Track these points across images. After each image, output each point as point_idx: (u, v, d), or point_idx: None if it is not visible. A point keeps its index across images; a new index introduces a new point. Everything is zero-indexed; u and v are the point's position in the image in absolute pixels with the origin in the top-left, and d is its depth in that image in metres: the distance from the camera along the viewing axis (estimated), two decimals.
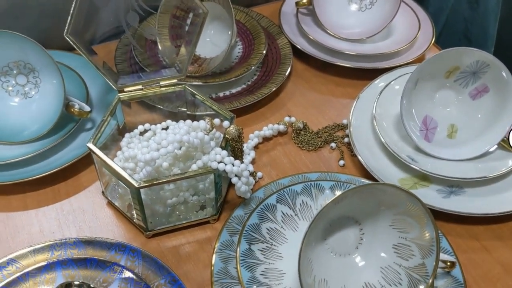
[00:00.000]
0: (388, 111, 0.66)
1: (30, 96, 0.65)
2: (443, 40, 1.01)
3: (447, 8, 0.95)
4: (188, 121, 0.52)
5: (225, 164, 0.50)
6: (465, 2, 0.96)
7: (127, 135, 0.59)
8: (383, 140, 0.62)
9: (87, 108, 0.62)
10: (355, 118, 0.66)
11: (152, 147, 0.47)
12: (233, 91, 0.72)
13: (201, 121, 0.52)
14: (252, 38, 0.77)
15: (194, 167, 0.51)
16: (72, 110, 0.61)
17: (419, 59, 0.76)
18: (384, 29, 0.76)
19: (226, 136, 0.53)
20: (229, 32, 0.70)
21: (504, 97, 0.60)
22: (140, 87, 0.58)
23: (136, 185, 0.48)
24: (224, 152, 0.50)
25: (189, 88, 0.59)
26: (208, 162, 0.50)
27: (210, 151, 0.51)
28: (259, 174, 0.61)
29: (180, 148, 0.53)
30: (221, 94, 0.71)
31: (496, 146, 0.61)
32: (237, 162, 0.51)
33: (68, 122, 0.63)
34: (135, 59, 0.71)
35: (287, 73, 0.73)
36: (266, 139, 0.66)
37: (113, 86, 0.57)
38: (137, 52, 0.71)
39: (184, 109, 0.62)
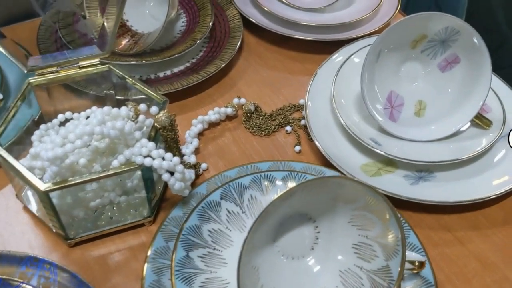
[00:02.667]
0: (349, 89, 0.58)
1: None
2: (411, 9, 0.94)
3: None
4: (106, 108, 0.44)
5: (153, 159, 0.42)
6: None
7: (42, 126, 0.50)
8: (342, 121, 0.54)
9: None
10: (312, 98, 0.59)
11: (57, 142, 0.39)
12: (175, 70, 0.63)
13: (123, 108, 0.44)
14: (197, 9, 0.68)
15: (115, 163, 0.42)
16: None
17: (383, 29, 0.69)
18: None
19: (156, 125, 0.44)
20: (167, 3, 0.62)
21: (477, 68, 0.53)
22: (55, 69, 0.49)
23: (42, 188, 0.40)
24: (151, 144, 0.42)
25: (114, 69, 0.50)
26: (132, 156, 0.42)
27: (135, 144, 0.43)
28: (204, 165, 0.53)
29: (101, 141, 0.44)
30: (161, 74, 0.62)
31: (469, 123, 0.55)
32: (168, 155, 0.43)
33: None
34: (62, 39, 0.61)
35: (236, 48, 0.64)
36: (212, 124, 0.58)
37: (22, 69, 0.48)
38: (63, 31, 0.62)
39: (112, 92, 0.53)
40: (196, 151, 0.55)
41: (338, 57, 0.62)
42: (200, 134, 0.57)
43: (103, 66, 0.50)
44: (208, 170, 0.54)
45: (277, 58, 0.67)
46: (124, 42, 0.64)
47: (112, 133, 0.40)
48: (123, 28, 0.65)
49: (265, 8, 0.68)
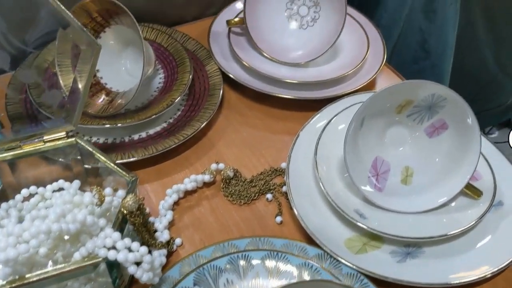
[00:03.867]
0: (332, 153, 0.55)
1: None
2: (397, 53, 0.92)
3: (400, 19, 0.85)
4: (67, 196, 0.40)
5: (118, 251, 0.39)
6: (420, 12, 0.87)
7: (3, 205, 0.46)
8: (325, 191, 0.52)
9: None
10: (294, 163, 0.56)
11: (10, 242, 0.35)
12: (151, 132, 0.60)
13: (86, 194, 0.41)
14: (175, 64, 0.66)
15: (77, 256, 0.39)
16: None
17: (369, 85, 0.67)
18: (328, 50, 0.66)
19: (122, 209, 0.41)
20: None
21: (465, 137, 0.51)
22: (17, 144, 0.46)
23: None
24: (117, 235, 0.39)
25: (81, 143, 0.47)
26: (95, 249, 0.38)
27: (99, 233, 0.39)
28: (178, 241, 0.50)
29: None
30: (136, 137, 0.59)
31: (457, 193, 0.52)
32: (135, 245, 0.39)
33: None
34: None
35: (215, 108, 0.62)
36: (189, 192, 0.55)
37: None
38: (32, 91, 0.58)
39: (79, 158, 0.50)
40: (171, 223, 0.52)
41: (320, 118, 0.60)
42: (175, 203, 0.54)
43: (70, 140, 0.47)
44: (182, 246, 0.50)
45: (258, 116, 0.64)
46: (98, 101, 0.61)
47: (72, 228, 0.37)
48: (97, 86, 0.62)
49: (245, 63, 0.66)
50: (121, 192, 0.42)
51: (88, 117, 0.58)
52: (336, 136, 0.56)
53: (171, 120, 0.62)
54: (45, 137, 0.46)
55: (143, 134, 0.60)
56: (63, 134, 0.47)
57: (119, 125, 0.57)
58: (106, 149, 0.57)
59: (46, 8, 0.48)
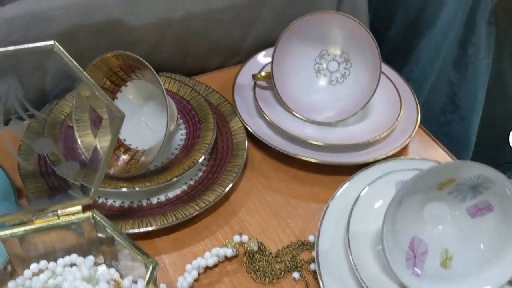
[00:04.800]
0: (365, 228, 0.51)
1: None
2: (425, 105, 0.88)
3: (432, 74, 0.82)
4: (79, 275, 0.37)
5: None
6: (451, 65, 0.84)
7: (10, 284, 0.42)
8: (358, 275, 0.47)
9: None
10: (323, 237, 0.52)
11: None
12: (171, 195, 0.56)
13: (102, 286, 0.37)
14: (198, 120, 0.62)
15: None
16: None
17: (402, 150, 0.63)
18: (359, 111, 0.62)
19: None
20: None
21: None
22: (28, 217, 0.42)
23: None
24: None
25: (99, 219, 0.44)
26: None
27: None
28: None
29: None
30: (154, 200, 0.56)
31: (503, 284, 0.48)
32: None
33: None
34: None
35: (239, 171, 0.58)
36: (209, 267, 0.51)
37: None
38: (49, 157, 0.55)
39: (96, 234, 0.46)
40: None
41: (350, 186, 0.56)
42: (194, 280, 0.50)
43: (87, 215, 0.44)
44: None
45: (283, 178, 0.61)
46: (117, 160, 0.57)
47: None
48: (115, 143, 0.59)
49: (271, 121, 0.62)
50: (140, 285, 0.38)
51: (105, 178, 0.55)
52: (369, 210, 0.52)
53: (191, 182, 0.58)
54: (60, 212, 0.43)
55: (162, 198, 0.56)
56: (79, 208, 0.43)
57: (137, 189, 0.53)
58: (122, 213, 0.54)
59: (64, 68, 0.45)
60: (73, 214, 0.43)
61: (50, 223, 0.43)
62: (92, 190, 0.43)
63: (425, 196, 0.50)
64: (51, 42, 0.40)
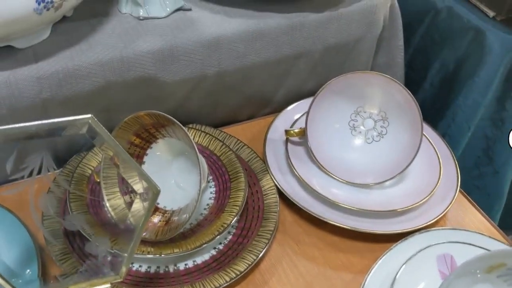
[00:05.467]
0: None
1: None
2: (459, 160, 0.85)
3: (469, 130, 0.79)
4: None
5: None
6: (488, 119, 0.81)
7: None
8: None
9: None
10: None
11: None
12: (199, 261, 0.54)
13: None
14: (228, 178, 0.60)
15: None
16: None
17: (440, 220, 0.60)
18: (398, 175, 0.60)
19: None
20: (198, 172, 0.53)
21: None
22: None
23: None
24: None
25: None
26: None
27: None
28: None
29: None
30: (181, 266, 0.53)
31: None
32: None
33: None
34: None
35: (270, 237, 0.55)
36: None
37: None
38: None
39: None
40: None
41: (388, 259, 0.53)
42: None
43: None
44: None
45: (316, 244, 0.58)
46: (154, 222, 0.55)
47: None
48: None
49: (303, 180, 0.59)
50: None
51: None
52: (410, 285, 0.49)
53: (220, 247, 0.55)
54: None
55: (190, 264, 0.53)
56: (107, 286, 0.41)
57: (162, 255, 0.51)
58: (149, 279, 0.51)
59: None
60: None
61: None
62: (124, 269, 0.40)
63: (472, 279, 0.47)
64: (88, 116, 0.38)
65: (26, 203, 0.50)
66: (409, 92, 0.59)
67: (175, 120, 0.52)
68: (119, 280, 0.41)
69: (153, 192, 0.40)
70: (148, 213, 0.41)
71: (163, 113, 0.52)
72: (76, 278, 0.42)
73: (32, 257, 0.50)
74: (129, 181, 0.47)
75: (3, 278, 0.38)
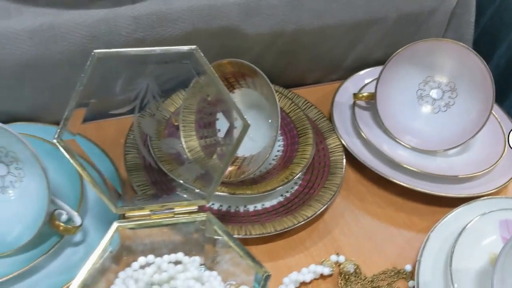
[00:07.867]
0: (468, 264, 0.50)
1: (10, 192, 0.51)
2: None
3: None
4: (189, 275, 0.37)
5: None
6: None
7: (121, 274, 0.44)
8: None
9: (78, 222, 0.48)
10: (424, 267, 0.51)
11: None
12: (267, 205, 0.57)
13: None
14: (296, 134, 0.62)
15: None
16: (57, 223, 0.47)
17: (502, 190, 0.60)
18: (462, 144, 0.61)
19: None
20: (271, 123, 0.56)
21: None
22: (147, 212, 0.43)
23: None
24: None
25: (214, 221, 0.44)
26: None
27: None
28: None
29: None
30: (251, 208, 0.56)
31: None
32: None
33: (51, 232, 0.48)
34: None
35: (337, 190, 0.57)
36: (304, 283, 0.51)
37: (112, 209, 0.43)
38: (153, 144, 0.57)
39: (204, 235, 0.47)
40: None
41: (451, 220, 0.54)
42: None
43: (201, 216, 0.44)
44: None
45: (379, 203, 0.60)
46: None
47: None
48: None
49: (370, 141, 0.61)
50: None
51: None
52: (472, 247, 0.51)
53: (287, 195, 0.58)
54: (176, 209, 0.44)
55: (259, 206, 0.56)
56: (195, 208, 0.44)
57: (236, 194, 0.54)
58: (220, 216, 0.54)
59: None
60: (189, 213, 0.44)
61: (167, 219, 0.43)
62: (210, 191, 0.43)
63: None
64: (194, 47, 0.41)
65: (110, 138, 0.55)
66: (487, 66, 0.60)
67: (258, 69, 0.55)
68: (205, 203, 0.44)
69: (244, 125, 0.43)
70: (238, 143, 0.43)
71: (247, 62, 0.55)
72: (165, 198, 0.45)
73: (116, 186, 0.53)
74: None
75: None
